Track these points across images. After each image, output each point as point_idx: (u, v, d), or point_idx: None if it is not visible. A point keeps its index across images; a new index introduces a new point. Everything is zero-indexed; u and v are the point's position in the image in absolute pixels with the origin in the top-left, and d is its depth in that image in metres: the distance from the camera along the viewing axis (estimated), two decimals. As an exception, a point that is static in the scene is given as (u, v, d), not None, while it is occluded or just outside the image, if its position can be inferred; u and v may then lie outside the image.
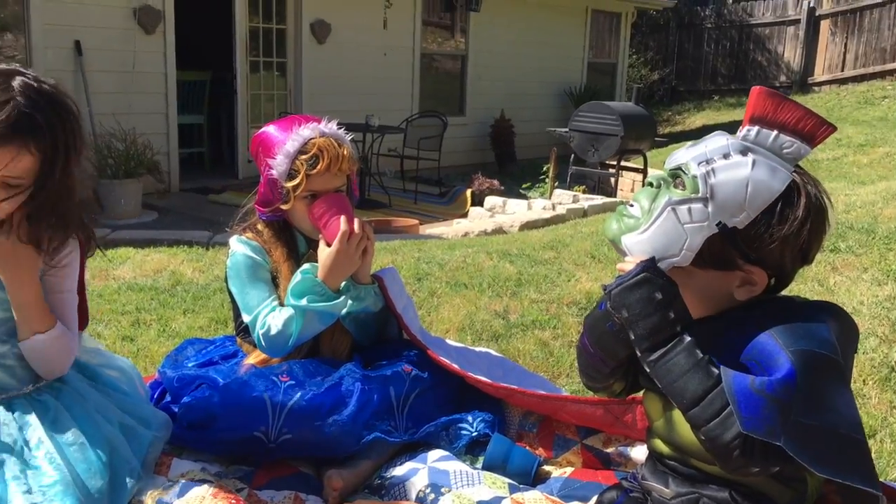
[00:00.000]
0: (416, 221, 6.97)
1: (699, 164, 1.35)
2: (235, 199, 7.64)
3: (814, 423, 1.20)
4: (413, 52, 10.21)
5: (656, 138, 9.56)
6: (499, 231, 6.25)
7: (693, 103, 15.27)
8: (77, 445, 1.53)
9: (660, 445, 1.45)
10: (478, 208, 7.90)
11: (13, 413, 1.55)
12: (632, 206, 1.41)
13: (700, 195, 1.33)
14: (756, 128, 1.37)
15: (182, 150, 8.34)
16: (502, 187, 8.61)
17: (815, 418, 1.20)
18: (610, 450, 1.83)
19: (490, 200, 7.91)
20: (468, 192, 8.52)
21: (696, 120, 14.10)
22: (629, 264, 1.36)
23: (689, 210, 1.34)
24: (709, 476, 1.37)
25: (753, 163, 1.32)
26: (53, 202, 1.52)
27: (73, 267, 1.63)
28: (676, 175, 1.39)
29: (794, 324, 1.27)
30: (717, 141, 1.38)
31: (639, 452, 1.79)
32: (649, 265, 1.33)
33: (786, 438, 1.18)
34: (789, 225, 1.30)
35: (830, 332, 1.27)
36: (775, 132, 1.35)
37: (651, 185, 1.41)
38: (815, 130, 1.36)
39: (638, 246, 1.37)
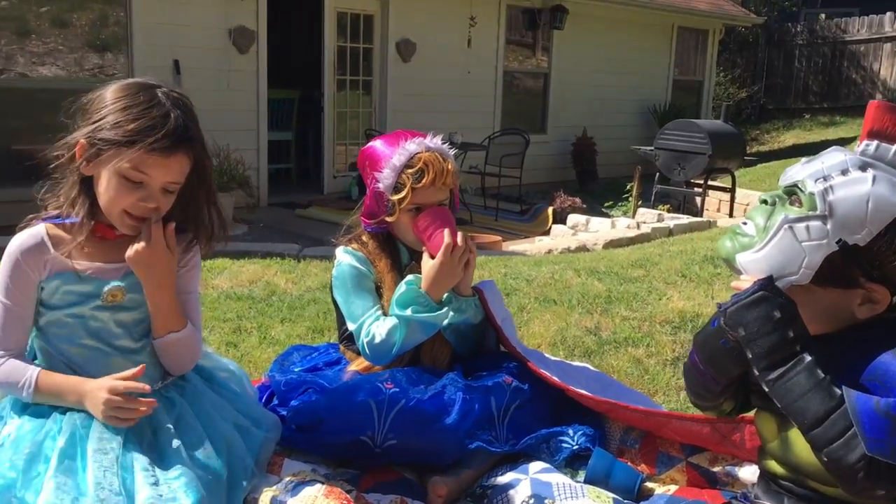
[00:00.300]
0: (499, 238, 6.99)
1: (816, 180, 1.33)
2: (321, 214, 7.85)
3: None
4: (496, 70, 10.29)
5: (745, 157, 9.35)
6: (582, 249, 6.22)
7: (782, 122, 14.89)
8: (199, 441, 1.61)
9: (774, 466, 1.42)
10: (560, 226, 7.87)
11: (173, 410, 1.65)
12: (745, 224, 1.40)
13: (818, 212, 1.32)
14: (875, 142, 1.35)
15: (270, 166, 8.58)
16: (584, 205, 8.57)
17: None
18: (717, 469, 1.80)
19: (573, 218, 7.87)
20: (549, 209, 8.50)
21: (786, 139, 13.74)
22: (746, 282, 1.35)
23: (808, 228, 1.32)
24: (826, 498, 1.34)
25: (874, 178, 1.30)
26: (195, 204, 1.65)
27: (198, 269, 1.73)
28: (792, 192, 1.37)
29: None
30: (835, 157, 1.36)
31: (747, 473, 1.76)
32: (767, 283, 1.31)
33: None
34: None
35: None
36: None
37: (765, 202, 1.40)
38: None
39: (754, 264, 1.36)
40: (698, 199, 8.95)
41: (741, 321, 1.31)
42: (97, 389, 1.54)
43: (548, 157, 10.78)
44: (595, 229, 7.47)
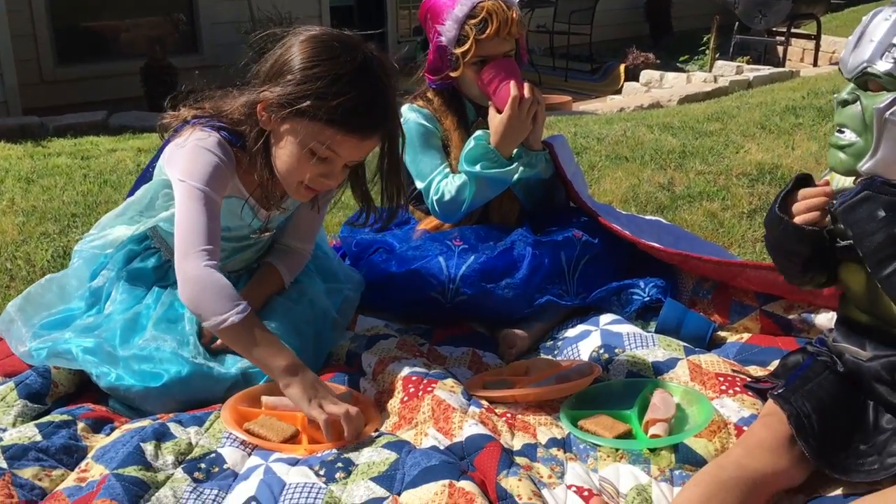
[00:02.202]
0: (569, 98, 6.80)
1: (883, 57, 1.23)
2: (387, 81, 7.75)
3: None
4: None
5: (832, 1, 8.71)
6: (656, 105, 6.01)
7: (875, -40, 13.75)
8: (293, 301, 1.69)
9: (857, 315, 1.38)
10: (632, 83, 7.60)
11: (240, 281, 1.72)
12: (841, 132, 1.30)
13: None
14: None
15: (334, 33, 8.41)
16: (658, 61, 8.20)
17: None
18: (792, 316, 1.77)
19: (646, 75, 7.58)
20: (621, 67, 8.17)
21: (878, -21, 12.73)
22: None
23: None
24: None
25: None
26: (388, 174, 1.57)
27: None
28: (866, 80, 1.26)
29: None
30: (880, 25, 1.24)
31: (823, 319, 1.73)
32: (870, 183, 1.25)
33: None
34: None
35: None
36: None
37: (846, 102, 1.29)
38: None
39: (879, 166, 1.26)
40: (780, 49, 8.45)
41: (847, 221, 1.25)
42: (325, 388, 1.40)
43: (619, 12, 10.25)
44: (669, 85, 7.19)
